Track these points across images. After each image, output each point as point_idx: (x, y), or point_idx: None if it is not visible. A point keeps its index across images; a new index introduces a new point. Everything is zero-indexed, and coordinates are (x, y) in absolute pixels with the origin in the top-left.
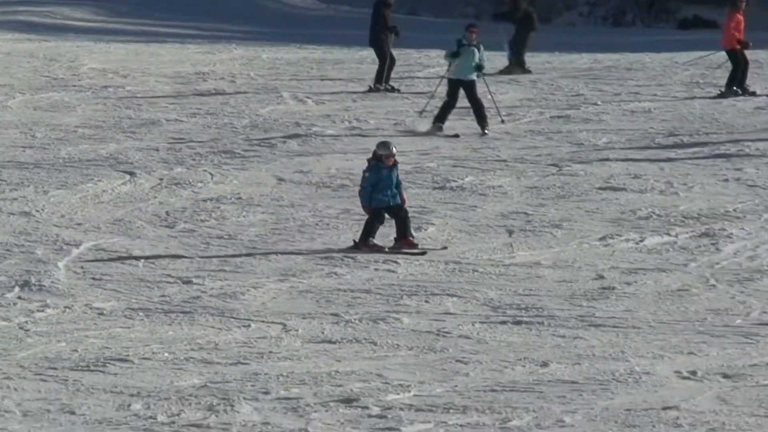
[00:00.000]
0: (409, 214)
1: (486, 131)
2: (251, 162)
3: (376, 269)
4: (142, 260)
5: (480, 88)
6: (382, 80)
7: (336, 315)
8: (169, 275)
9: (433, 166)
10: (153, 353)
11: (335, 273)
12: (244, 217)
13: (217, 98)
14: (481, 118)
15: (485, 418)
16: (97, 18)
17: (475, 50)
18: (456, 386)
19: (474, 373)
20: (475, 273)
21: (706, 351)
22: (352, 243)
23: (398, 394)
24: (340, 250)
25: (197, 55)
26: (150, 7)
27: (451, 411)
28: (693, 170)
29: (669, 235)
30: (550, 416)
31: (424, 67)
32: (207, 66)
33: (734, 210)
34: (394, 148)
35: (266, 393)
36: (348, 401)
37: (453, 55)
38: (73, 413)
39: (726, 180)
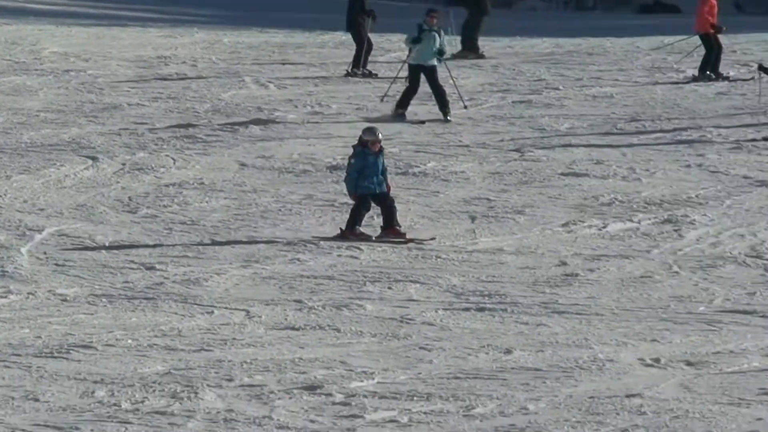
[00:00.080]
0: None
1: (449, 118)
2: (213, 147)
3: (339, 255)
4: (105, 245)
5: (442, 73)
6: (359, 65)
7: (299, 302)
8: (132, 261)
9: (396, 152)
10: (116, 340)
11: (298, 259)
12: (206, 202)
13: (179, 83)
14: (443, 105)
15: (449, 406)
16: (58, 1)
17: (436, 35)
18: (419, 373)
19: (437, 360)
20: (438, 259)
21: (670, 338)
22: (338, 231)
23: (362, 381)
24: (327, 238)
25: (159, 39)
26: None
27: (415, 398)
28: (655, 156)
29: (632, 221)
30: (514, 403)
31: (386, 51)
32: (168, 50)
33: (697, 196)
34: (380, 134)
35: (230, 380)
36: (312, 388)
37: (414, 41)
38: (36, 400)
39: (688, 166)
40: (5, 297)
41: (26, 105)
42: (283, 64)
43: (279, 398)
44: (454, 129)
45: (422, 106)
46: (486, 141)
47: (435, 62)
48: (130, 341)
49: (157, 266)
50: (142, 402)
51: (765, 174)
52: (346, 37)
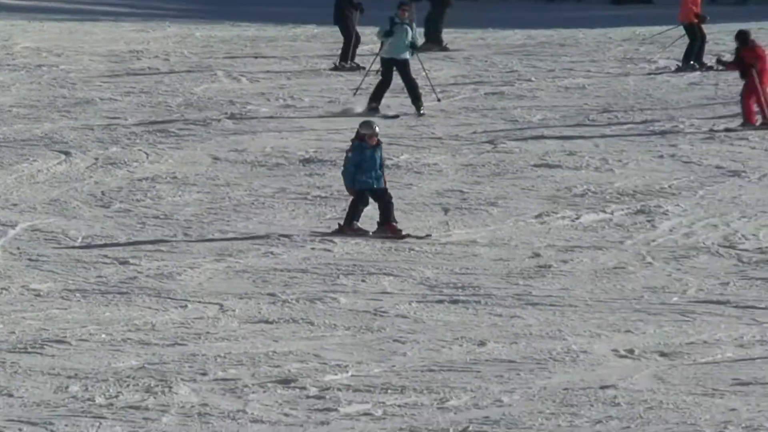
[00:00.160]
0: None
1: (422, 111)
2: (186, 141)
3: (312, 248)
4: (79, 240)
5: (414, 65)
6: (347, 58)
7: (273, 295)
8: (105, 256)
9: None
10: (90, 334)
11: (271, 252)
12: (179, 196)
13: (152, 77)
14: (416, 99)
15: (423, 398)
16: None
17: (408, 29)
18: (394, 366)
19: (411, 352)
20: (412, 251)
21: (643, 329)
22: (336, 226)
23: (336, 374)
24: (325, 233)
25: (131, 33)
26: None
27: (389, 391)
28: (628, 147)
29: (604, 212)
30: (488, 396)
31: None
32: (141, 44)
33: (669, 186)
34: (377, 128)
35: (204, 374)
36: (286, 382)
37: (386, 34)
38: (11, 395)
39: (661, 156)
40: None
41: None
42: (256, 57)
43: (253, 392)
44: (427, 121)
45: (395, 99)
46: (459, 133)
47: (407, 55)
48: (104, 336)
49: (131, 261)
50: (117, 397)
51: (737, 164)
52: (318, 30)
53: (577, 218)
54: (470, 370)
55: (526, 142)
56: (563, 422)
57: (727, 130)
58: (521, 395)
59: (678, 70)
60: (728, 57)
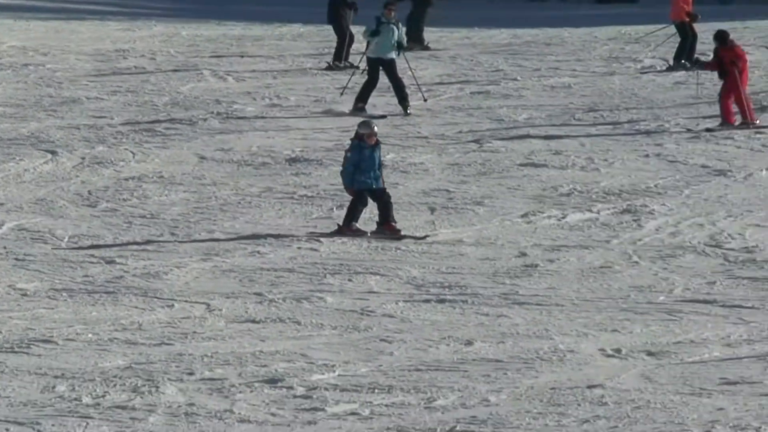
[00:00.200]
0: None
1: (408, 111)
2: (172, 140)
3: (299, 248)
4: (65, 239)
5: (400, 64)
6: (341, 57)
7: (259, 294)
8: (92, 255)
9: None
10: (77, 334)
11: (258, 252)
12: (166, 196)
13: (138, 76)
14: (402, 99)
15: (410, 398)
16: None
17: (395, 28)
18: (381, 366)
19: (398, 352)
20: (398, 251)
21: (630, 328)
22: (336, 227)
23: (323, 374)
24: (324, 234)
25: (117, 32)
26: None
27: (376, 391)
28: (614, 146)
29: (591, 211)
30: (475, 395)
31: None
32: (127, 43)
33: (655, 186)
34: (375, 127)
35: (191, 374)
36: (273, 381)
37: (372, 34)
38: None
39: (647, 156)
40: None
41: None
42: (242, 56)
43: (240, 392)
44: (413, 120)
45: (381, 98)
46: (445, 132)
47: (394, 55)
48: (90, 335)
49: (117, 260)
50: (103, 396)
51: (723, 163)
52: (304, 29)
53: (563, 217)
54: (457, 370)
55: (512, 141)
56: (550, 422)
57: (708, 130)
58: (508, 395)
59: (669, 69)
60: (706, 58)
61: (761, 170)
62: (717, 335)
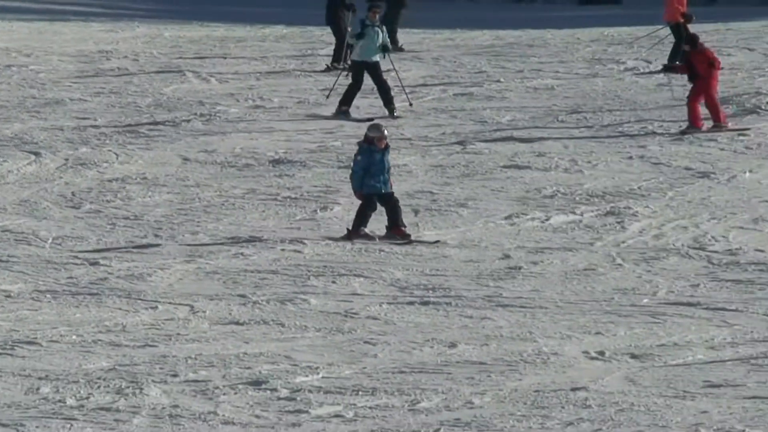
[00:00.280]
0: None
1: (396, 114)
2: (156, 141)
3: (282, 250)
4: (49, 241)
5: (385, 66)
6: (340, 59)
7: (243, 296)
8: (75, 257)
9: (338, 145)
10: (61, 336)
11: (242, 254)
12: (149, 197)
13: (121, 77)
14: (387, 101)
15: (394, 400)
16: None
17: (379, 31)
18: (364, 368)
19: (382, 354)
20: (382, 253)
21: (614, 331)
22: (345, 231)
23: (307, 376)
24: (334, 238)
25: (100, 33)
26: None
27: (360, 393)
28: (597, 148)
29: (574, 213)
30: (459, 398)
31: (327, 44)
32: (110, 44)
33: (639, 188)
34: (385, 130)
35: (175, 375)
36: (257, 383)
37: (357, 36)
38: None
39: (630, 157)
40: None
41: None
42: (225, 58)
43: (224, 393)
44: (396, 122)
45: (364, 100)
46: (428, 134)
47: (378, 58)
48: (74, 337)
49: (101, 261)
50: (87, 398)
51: (707, 165)
52: (287, 31)
53: (546, 219)
54: (441, 372)
55: (496, 143)
56: (534, 424)
57: (682, 133)
58: (492, 397)
59: (664, 69)
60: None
61: (744, 172)
62: (701, 338)
